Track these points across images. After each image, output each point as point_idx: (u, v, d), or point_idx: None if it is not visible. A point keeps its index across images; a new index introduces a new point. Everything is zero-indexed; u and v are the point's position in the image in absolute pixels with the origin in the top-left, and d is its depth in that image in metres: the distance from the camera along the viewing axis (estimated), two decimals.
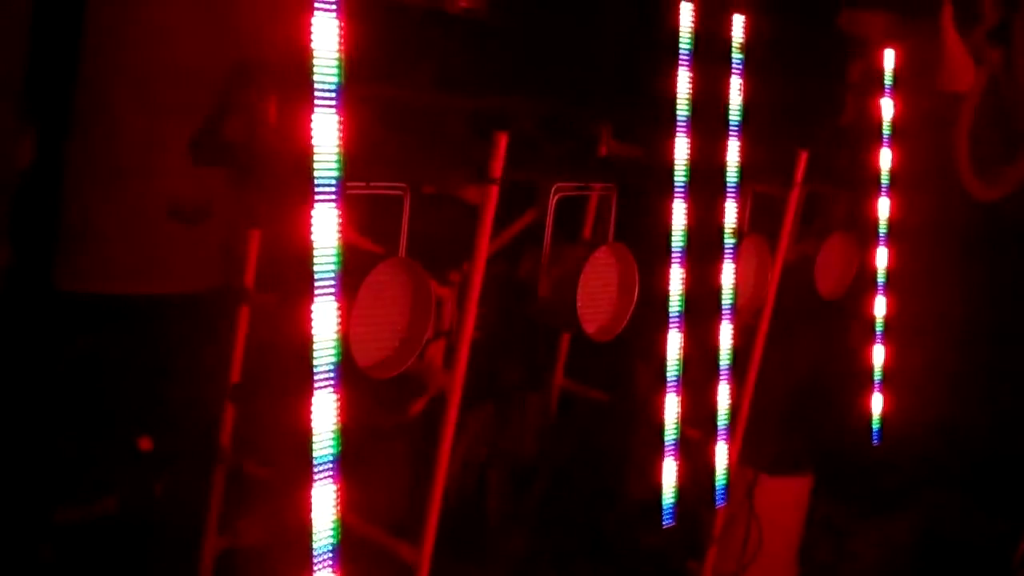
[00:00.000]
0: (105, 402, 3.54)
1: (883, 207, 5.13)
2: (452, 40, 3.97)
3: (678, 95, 3.91)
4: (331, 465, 2.97)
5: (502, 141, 3.36)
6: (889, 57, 5.04)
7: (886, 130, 5.08)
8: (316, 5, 2.78)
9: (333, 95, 2.83)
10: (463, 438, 3.91)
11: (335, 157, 2.84)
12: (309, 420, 2.91)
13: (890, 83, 5.05)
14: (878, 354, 5.24)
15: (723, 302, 4.31)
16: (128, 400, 3.58)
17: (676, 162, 3.95)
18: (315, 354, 2.89)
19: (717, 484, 4.51)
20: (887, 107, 5.07)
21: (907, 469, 5.86)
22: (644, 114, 4.13)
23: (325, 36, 2.80)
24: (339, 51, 2.82)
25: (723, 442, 4.46)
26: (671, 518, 4.20)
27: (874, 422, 5.30)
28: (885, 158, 5.09)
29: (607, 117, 4.19)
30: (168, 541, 3.59)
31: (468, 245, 3.44)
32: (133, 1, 3.15)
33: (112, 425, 3.54)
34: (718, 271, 4.27)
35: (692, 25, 3.90)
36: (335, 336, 2.92)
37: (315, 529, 2.97)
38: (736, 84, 4.19)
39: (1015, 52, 5.53)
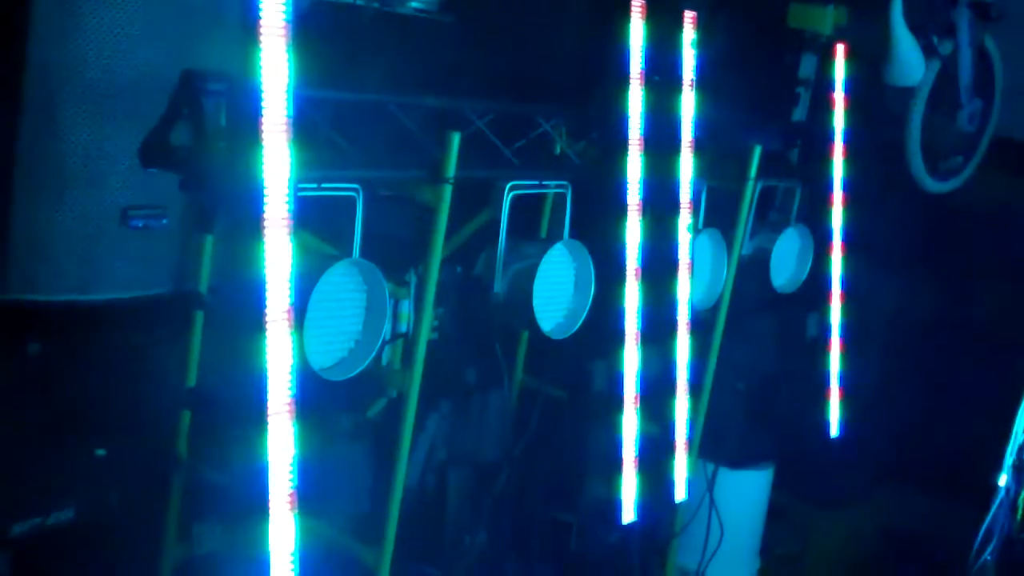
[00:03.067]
0: (59, 411, 3.50)
1: (836, 201, 5.17)
2: (404, 40, 3.96)
3: (632, 90, 3.93)
4: (289, 469, 2.96)
5: (455, 141, 3.36)
6: (840, 51, 5.08)
7: (838, 124, 5.13)
8: (264, 7, 2.77)
9: (283, 97, 2.82)
10: (422, 439, 3.91)
11: (286, 159, 2.83)
12: (265, 424, 2.90)
13: (841, 77, 5.09)
14: (835, 348, 5.29)
15: (680, 296, 4.33)
16: (83, 408, 3.54)
17: (631, 157, 3.96)
18: (270, 358, 2.88)
19: (677, 479, 4.53)
20: (839, 101, 5.11)
21: (866, 461, 5.90)
22: (599, 111, 4.14)
23: (274, 38, 2.79)
24: (288, 52, 2.81)
25: (683, 437, 4.48)
26: (632, 514, 4.21)
27: (832, 414, 5.34)
28: (838, 152, 5.14)
29: (561, 115, 4.20)
30: (126, 550, 3.56)
31: (423, 245, 3.44)
32: (80, 8, 3.12)
33: (67, 434, 3.51)
34: (675, 265, 4.29)
35: (642, 20, 3.91)
36: (290, 339, 2.90)
37: (273, 533, 2.95)
38: (689, 79, 4.21)
39: (964, 44, 5.58)
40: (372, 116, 3.46)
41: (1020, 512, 5.38)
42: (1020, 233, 6.01)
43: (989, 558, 5.32)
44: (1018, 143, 6.04)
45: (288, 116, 2.83)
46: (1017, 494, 5.41)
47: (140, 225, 3.30)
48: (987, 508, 5.36)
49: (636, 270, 4.04)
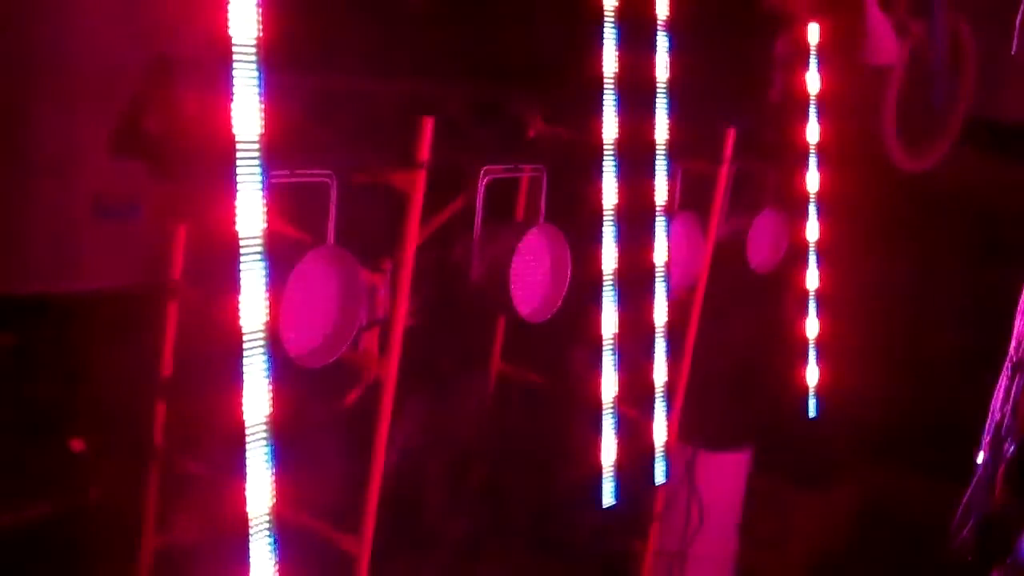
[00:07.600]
0: (34, 404, 3.48)
1: (812, 181, 5.17)
2: (376, 25, 3.93)
3: (605, 74, 3.91)
4: (265, 457, 2.95)
5: (428, 125, 3.33)
6: (813, 32, 5.07)
7: (813, 105, 5.13)
8: None
9: (255, 83, 2.80)
10: (400, 426, 3.89)
11: (257, 146, 2.80)
12: (241, 413, 2.88)
13: (815, 58, 5.09)
14: (812, 327, 5.30)
15: (656, 280, 4.32)
16: (58, 401, 3.51)
17: (605, 141, 3.95)
18: (245, 345, 2.86)
19: (656, 462, 4.53)
20: (813, 82, 5.11)
21: (844, 440, 5.92)
22: (572, 95, 4.12)
23: (245, 23, 2.76)
24: (259, 38, 2.78)
25: (661, 420, 4.48)
26: (612, 498, 4.21)
27: (810, 395, 5.35)
28: (812, 133, 5.14)
29: (535, 99, 4.18)
30: (104, 542, 3.54)
31: (399, 232, 3.42)
32: None
33: (43, 427, 3.48)
34: (650, 249, 4.28)
35: (617, 4, 3.89)
36: (264, 327, 2.88)
37: (252, 523, 2.94)
38: (663, 62, 4.19)
39: (937, 24, 5.59)
40: (345, 101, 3.44)
41: (999, 489, 5.41)
42: (995, 210, 6.03)
43: (968, 535, 5.35)
44: (991, 123, 6.07)
45: (260, 102, 2.80)
46: (995, 471, 5.43)
47: (114, 214, 3.27)
48: (967, 485, 5.39)
49: (613, 254, 4.03)
